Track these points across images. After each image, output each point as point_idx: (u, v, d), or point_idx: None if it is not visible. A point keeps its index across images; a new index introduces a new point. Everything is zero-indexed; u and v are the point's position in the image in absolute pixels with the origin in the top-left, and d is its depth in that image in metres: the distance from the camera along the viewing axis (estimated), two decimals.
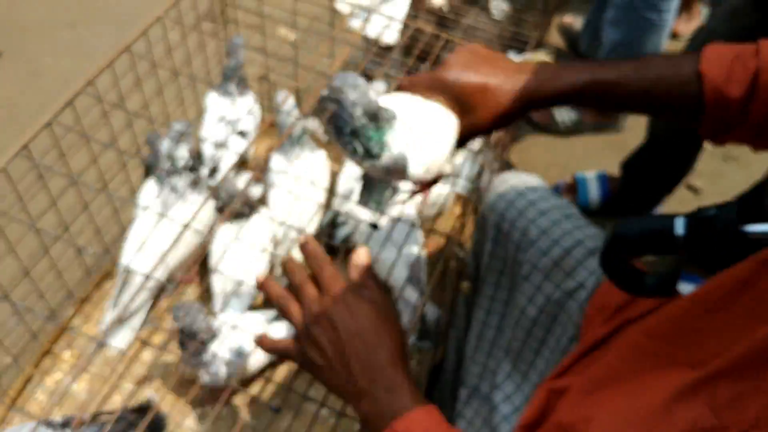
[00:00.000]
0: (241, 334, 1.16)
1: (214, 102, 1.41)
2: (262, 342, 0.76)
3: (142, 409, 1.10)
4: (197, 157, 1.28)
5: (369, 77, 1.30)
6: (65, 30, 2.35)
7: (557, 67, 0.78)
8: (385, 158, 0.73)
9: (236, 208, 1.17)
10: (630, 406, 0.67)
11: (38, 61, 2.23)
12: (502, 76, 0.77)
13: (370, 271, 0.74)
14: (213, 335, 1.13)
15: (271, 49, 1.50)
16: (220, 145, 1.36)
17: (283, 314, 0.73)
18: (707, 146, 2.16)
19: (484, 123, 0.79)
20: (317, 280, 0.73)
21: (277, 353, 0.75)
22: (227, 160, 1.36)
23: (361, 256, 0.74)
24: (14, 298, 1.12)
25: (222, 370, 1.13)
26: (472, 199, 1.60)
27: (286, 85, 1.57)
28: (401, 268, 1.32)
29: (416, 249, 1.34)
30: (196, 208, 1.10)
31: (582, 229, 1.01)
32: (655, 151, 1.76)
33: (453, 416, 1.23)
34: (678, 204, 1.96)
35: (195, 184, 1.28)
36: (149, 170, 1.28)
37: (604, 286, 0.95)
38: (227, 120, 1.40)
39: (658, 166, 1.78)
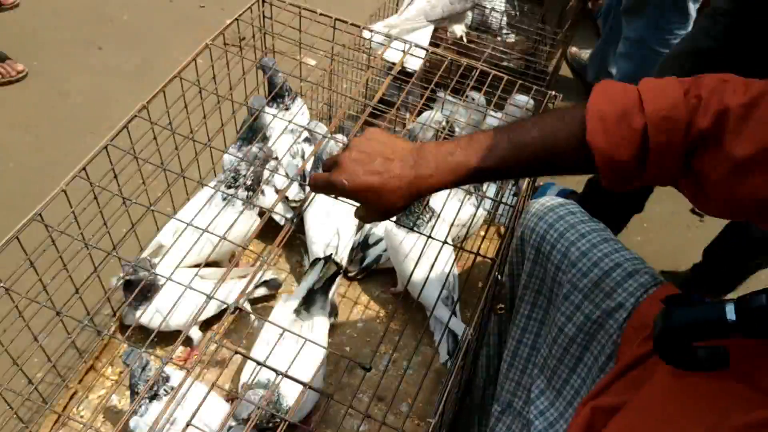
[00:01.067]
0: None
1: (269, 119, 1.47)
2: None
3: None
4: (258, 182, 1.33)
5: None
6: (91, 51, 2.40)
7: (438, 156, 0.82)
8: None
9: None
10: (682, 428, 0.72)
11: (64, 81, 2.27)
12: (387, 176, 0.82)
13: None
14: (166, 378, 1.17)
15: (304, 77, 1.55)
16: (294, 156, 1.41)
17: None
18: None
19: (375, 217, 0.88)
20: None
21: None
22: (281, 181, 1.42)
23: None
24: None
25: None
26: (500, 222, 1.65)
27: (320, 112, 1.64)
28: (436, 287, 1.37)
29: (450, 269, 1.39)
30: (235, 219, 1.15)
31: (620, 252, 1.06)
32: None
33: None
34: (686, 229, 2.02)
35: (247, 200, 1.34)
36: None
37: (644, 307, 1.00)
38: (289, 130, 1.46)
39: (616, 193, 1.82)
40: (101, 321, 1.48)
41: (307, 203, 1.10)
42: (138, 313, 1.26)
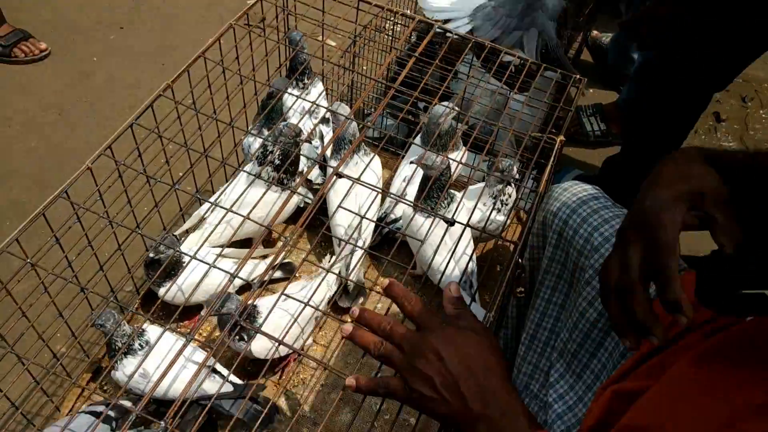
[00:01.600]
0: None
1: (291, 97, 1.47)
2: (358, 384, 0.74)
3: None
4: (287, 160, 1.33)
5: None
6: (113, 32, 2.40)
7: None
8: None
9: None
10: (707, 416, 0.72)
11: (86, 61, 2.29)
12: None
13: (463, 303, 0.76)
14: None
15: (325, 58, 1.55)
16: (310, 139, 1.42)
17: (381, 359, 0.73)
18: None
19: None
20: (407, 314, 0.74)
21: (380, 392, 0.74)
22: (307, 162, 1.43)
23: (452, 290, 0.77)
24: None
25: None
26: (521, 206, 1.65)
27: (342, 94, 1.63)
28: (456, 273, 1.37)
29: (469, 253, 1.39)
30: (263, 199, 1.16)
31: None
32: (631, 157, 1.83)
33: None
34: None
35: (278, 181, 1.35)
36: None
37: None
38: (309, 111, 1.46)
39: (632, 170, 1.83)
40: (123, 298, 1.51)
41: (329, 186, 1.11)
42: (161, 290, 1.27)
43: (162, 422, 0.80)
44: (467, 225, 1.10)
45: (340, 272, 1.42)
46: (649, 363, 0.93)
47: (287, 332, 0.95)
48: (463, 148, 1.58)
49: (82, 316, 1.28)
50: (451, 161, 1.33)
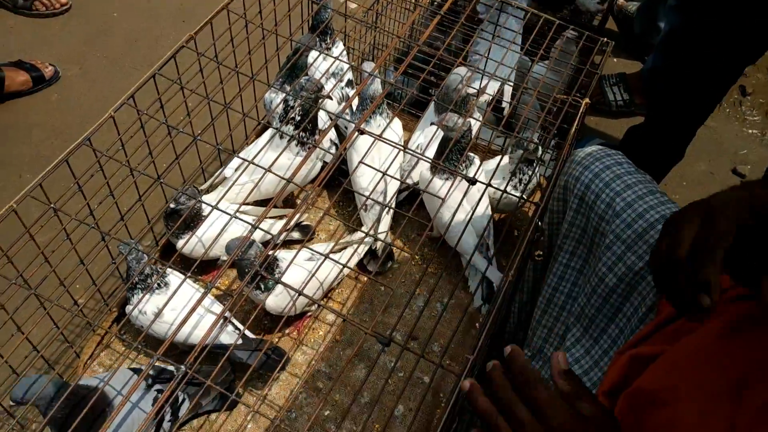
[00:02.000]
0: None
1: (313, 57, 1.46)
2: None
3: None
4: (307, 117, 1.33)
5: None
6: None
7: None
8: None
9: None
10: (719, 375, 0.72)
11: (107, 16, 2.28)
12: None
13: (575, 377, 0.66)
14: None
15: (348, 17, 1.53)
16: (341, 102, 1.41)
17: (488, 429, 0.66)
18: (755, 133, 2.18)
19: None
20: (526, 398, 0.64)
21: None
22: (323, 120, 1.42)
23: (561, 362, 0.66)
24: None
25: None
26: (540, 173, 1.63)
27: (364, 53, 1.61)
28: (473, 235, 1.37)
29: (486, 216, 1.38)
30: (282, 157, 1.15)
31: (666, 204, 1.04)
32: (655, 128, 1.84)
33: None
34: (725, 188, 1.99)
35: (296, 140, 1.35)
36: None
37: None
38: (331, 72, 1.45)
39: (655, 141, 1.84)
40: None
41: (349, 143, 1.10)
42: (180, 242, 1.28)
43: (182, 366, 0.81)
44: (488, 184, 1.09)
45: (373, 237, 1.43)
46: (668, 329, 0.93)
47: (305, 285, 0.95)
48: (479, 113, 1.56)
49: (103, 265, 1.30)
50: (472, 122, 1.31)
